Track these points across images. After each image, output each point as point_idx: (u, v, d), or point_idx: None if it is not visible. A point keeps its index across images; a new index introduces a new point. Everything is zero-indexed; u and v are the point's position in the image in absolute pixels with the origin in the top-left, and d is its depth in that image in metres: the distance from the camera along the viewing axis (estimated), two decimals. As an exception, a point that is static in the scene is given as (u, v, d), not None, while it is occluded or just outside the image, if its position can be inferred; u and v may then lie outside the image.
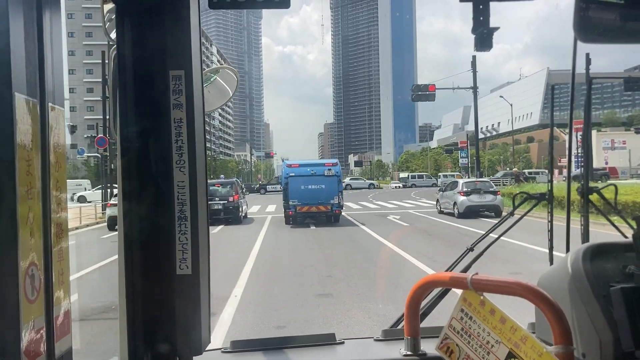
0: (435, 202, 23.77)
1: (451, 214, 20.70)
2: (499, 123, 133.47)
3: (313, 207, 18.45)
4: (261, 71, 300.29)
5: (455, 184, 21.50)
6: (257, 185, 61.49)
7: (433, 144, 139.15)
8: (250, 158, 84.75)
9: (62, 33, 1.08)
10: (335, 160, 20.13)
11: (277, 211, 24.53)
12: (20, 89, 0.86)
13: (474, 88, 28.55)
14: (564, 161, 50.52)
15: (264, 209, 28.85)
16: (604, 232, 2.37)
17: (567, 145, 2.46)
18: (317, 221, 19.31)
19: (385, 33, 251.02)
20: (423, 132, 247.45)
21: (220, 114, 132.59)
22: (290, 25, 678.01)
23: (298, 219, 18.95)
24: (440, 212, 22.21)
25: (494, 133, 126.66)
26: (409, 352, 1.49)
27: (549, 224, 2.05)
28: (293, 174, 18.60)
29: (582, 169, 2.40)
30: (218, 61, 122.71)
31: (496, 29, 2.02)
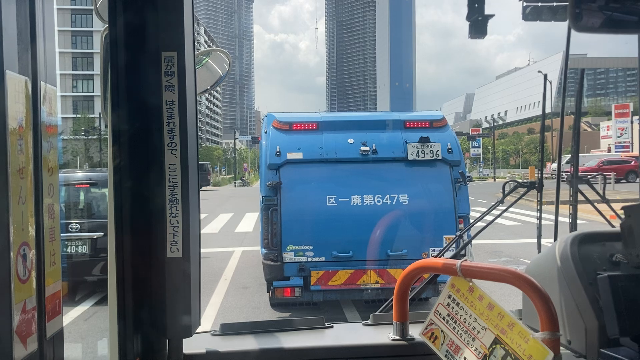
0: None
1: None
2: (505, 111, 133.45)
3: (369, 274, 5.70)
4: (252, 57, 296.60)
5: None
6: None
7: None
8: (234, 143, 70.27)
9: (54, 11, 1.12)
10: (438, 114, 6.68)
11: (257, 231, 9.62)
12: (11, 66, 0.89)
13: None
14: (595, 151, 47.61)
15: (237, 221, 16.00)
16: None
17: (566, 136, 2.55)
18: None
19: (383, 17, 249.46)
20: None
21: (207, 99, 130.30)
22: (282, 13, 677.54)
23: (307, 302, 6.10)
24: None
25: (500, 122, 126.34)
26: (397, 337, 1.56)
27: (538, 212, 2.13)
28: (298, 156, 5.96)
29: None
30: (205, 42, 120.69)
31: (491, 16, 2.08)
